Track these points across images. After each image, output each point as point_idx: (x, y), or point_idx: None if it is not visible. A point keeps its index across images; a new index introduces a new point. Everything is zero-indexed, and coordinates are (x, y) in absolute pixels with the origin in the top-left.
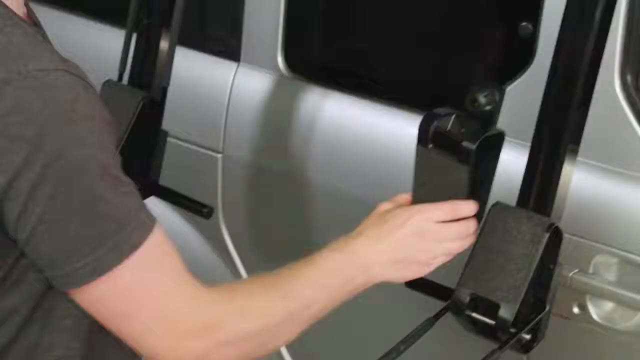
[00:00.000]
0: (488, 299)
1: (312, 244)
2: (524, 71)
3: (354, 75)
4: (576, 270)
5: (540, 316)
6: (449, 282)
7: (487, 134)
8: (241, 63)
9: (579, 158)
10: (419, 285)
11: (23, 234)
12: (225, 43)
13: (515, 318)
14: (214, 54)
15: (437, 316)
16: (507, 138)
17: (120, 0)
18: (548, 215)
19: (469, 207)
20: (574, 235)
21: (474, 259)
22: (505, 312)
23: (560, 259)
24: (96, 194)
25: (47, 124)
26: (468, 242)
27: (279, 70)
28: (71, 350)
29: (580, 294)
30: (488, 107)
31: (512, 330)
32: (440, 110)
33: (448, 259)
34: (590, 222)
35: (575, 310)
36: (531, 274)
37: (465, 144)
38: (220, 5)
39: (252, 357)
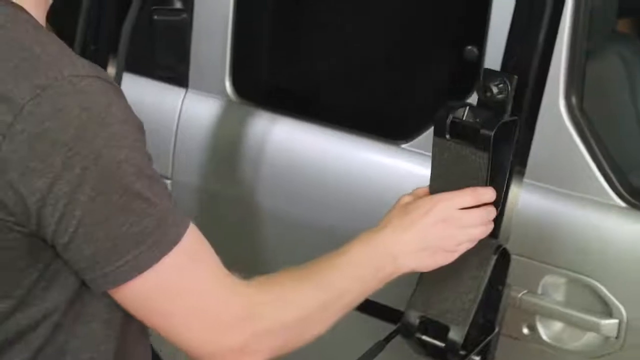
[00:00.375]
0: (437, 321)
1: (263, 268)
2: (471, 94)
3: (301, 99)
4: (525, 291)
5: (489, 337)
6: (399, 304)
7: (503, 121)
8: (189, 89)
9: (525, 179)
10: (369, 308)
11: (63, 238)
12: (173, 69)
13: (465, 340)
14: (162, 80)
15: (387, 339)
16: None
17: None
18: (496, 237)
19: (489, 192)
20: (522, 256)
21: (423, 281)
22: (455, 335)
23: (509, 280)
24: (134, 193)
25: (85, 128)
26: (489, 228)
27: (227, 95)
28: (100, 353)
29: (530, 315)
30: (500, 96)
31: (462, 352)
32: (453, 103)
33: (472, 245)
34: (538, 243)
35: (525, 330)
36: (480, 296)
37: (483, 131)
38: (168, 31)
39: (289, 347)
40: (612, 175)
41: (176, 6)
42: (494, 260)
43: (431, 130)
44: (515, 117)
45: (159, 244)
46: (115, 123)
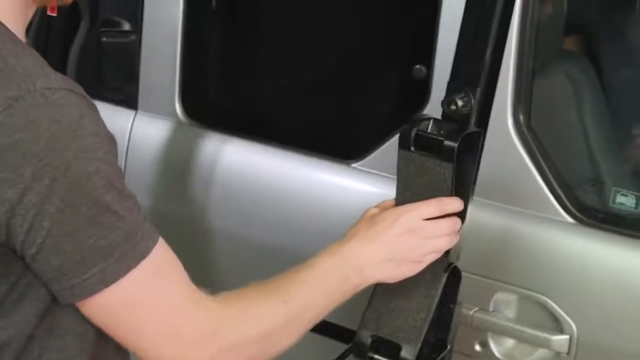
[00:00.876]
0: (389, 340)
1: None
2: (420, 112)
3: (251, 120)
4: (476, 309)
5: (442, 355)
6: (352, 324)
7: (466, 132)
8: (139, 111)
9: (475, 197)
10: (321, 328)
11: (31, 249)
12: (122, 91)
13: (417, 358)
14: (111, 102)
15: (340, 359)
16: None
17: None
18: (446, 255)
19: (454, 203)
20: (473, 274)
21: (374, 300)
22: (407, 353)
23: (460, 298)
24: (103, 206)
25: (55, 140)
26: (454, 239)
27: (176, 117)
28: None
29: (482, 332)
30: (465, 109)
31: None
32: (418, 116)
33: (438, 256)
34: (489, 261)
35: (477, 347)
36: (431, 314)
37: (447, 142)
38: (116, 53)
39: None
40: (560, 192)
41: (124, 28)
42: (444, 279)
43: (381, 149)
44: (480, 129)
45: (126, 258)
46: (87, 135)
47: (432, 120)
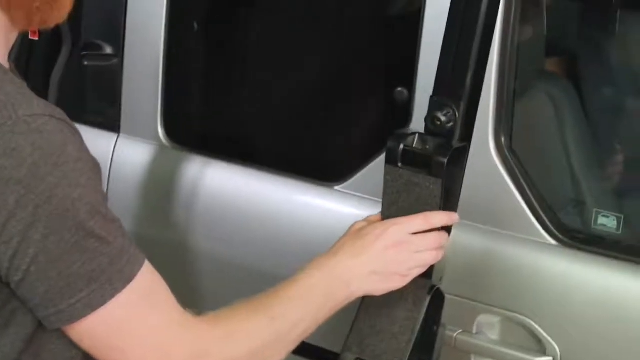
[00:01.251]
0: None
1: (198, 311)
2: None
3: (234, 143)
4: (460, 331)
5: None
6: (335, 346)
7: (455, 147)
8: (121, 134)
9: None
10: (305, 350)
11: (17, 275)
12: (104, 115)
13: None
14: (93, 125)
15: None
16: None
17: None
18: (429, 277)
19: (440, 217)
20: (456, 296)
21: (357, 323)
22: None
23: (444, 320)
24: (87, 232)
25: (38, 166)
26: (440, 253)
27: (159, 140)
28: None
29: (465, 354)
30: (449, 125)
31: None
32: (403, 131)
33: (423, 270)
34: (472, 283)
35: None
36: (415, 337)
37: (436, 158)
38: (98, 77)
39: None
40: (542, 213)
41: (106, 51)
42: (428, 301)
43: (364, 171)
44: (465, 143)
45: (112, 282)
46: (70, 162)
47: (417, 135)
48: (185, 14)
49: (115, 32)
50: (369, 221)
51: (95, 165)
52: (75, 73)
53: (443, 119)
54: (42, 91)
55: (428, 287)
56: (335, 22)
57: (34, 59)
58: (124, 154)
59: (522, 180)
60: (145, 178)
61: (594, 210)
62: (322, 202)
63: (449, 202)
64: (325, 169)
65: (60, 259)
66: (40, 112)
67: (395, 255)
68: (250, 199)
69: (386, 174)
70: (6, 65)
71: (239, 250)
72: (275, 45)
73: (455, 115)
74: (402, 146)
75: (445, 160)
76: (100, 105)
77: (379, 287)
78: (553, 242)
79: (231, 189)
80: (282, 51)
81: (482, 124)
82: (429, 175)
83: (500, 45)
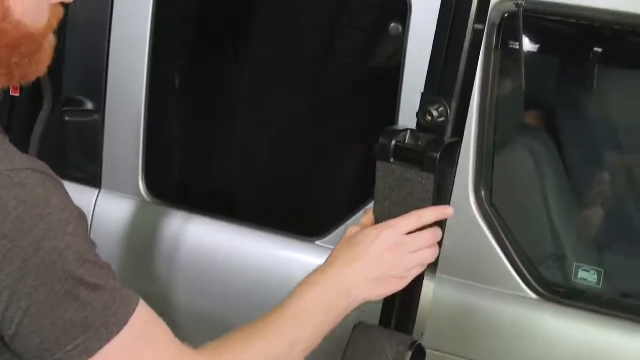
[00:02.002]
0: None
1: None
2: None
3: (215, 199)
4: None
5: None
6: None
7: (447, 143)
8: (102, 189)
9: (439, 274)
10: None
11: (10, 329)
12: (86, 170)
13: None
14: (74, 180)
15: None
16: None
17: None
18: (410, 333)
19: (432, 213)
20: (437, 350)
21: None
22: None
23: None
24: (77, 280)
25: (23, 220)
26: (436, 250)
27: (140, 195)
28: None
29: None
30: (441, 120)
31: None
32: (394, 128)
33: (422, 269)
34: (453, 338)
35: None
36: None
37: (429, 153)
38: (80, 132)
39: None
40: (522, 267)
41: (88, 107)
42: (409, 357)
43: (344, 226)
44: (457, 139)
45: (107, 326)
46: (54, 213)
47: (409, 132)
48: (166, 71)
49: (97, 87)
50: (362, 225)
51: (80, 214)
52: (56, 128)
53: (435, 114)
54: (23, 146)
55: (409, 343)
56: (315, 77)
57: (15, 114)
58: (106, 209)
59: (502, 234)
60: (126, 233)
61: (575, 264)
62: (303, 257)
63: (441, 197)
64: (306, 223)
65: (52, 309)
66: (22, 166)
67: (391, 258)
68: (232, 253)
69: (378, 170)
70: None
71: (220, 305)
72: (255, 102)
73: (447, 111)
74: (394, 142)
75: (438, 155)
76: (82, 160)
77: (379, 292)
78: (534, 296)
79: (212, 244)
80: (262, 108)
81: (462, 178)
82: (422, 171)
83: (480, 99)
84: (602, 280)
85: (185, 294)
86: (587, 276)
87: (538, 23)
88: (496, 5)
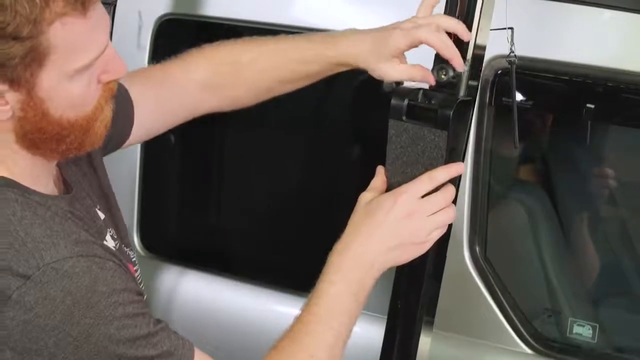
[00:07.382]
0: None
1: None
2: None
3: (209, 254)
4: None
5: None
6: None
7: (460, 100)
8: None
9: (435, 330)
10: None
11: None
12: None
13: None
14: None
15: None
16: (364, 312)
17: None
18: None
19: (444, 172)
20: None
21: None
22: None
23: None
24: (130, 358)
25: (71, 312)
26: (453, 209)
27: (135, 250)
28: None
29: None
30: (454, 78)
31: None
32: (406, 87)
33: (443, 232)
34: None
35: None
36: None
37: (442, 110)
38: None
39: None
40: (517, 322)
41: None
42: None
43: None
44: (470, 98)
45: None
46: (101, 300)
47: (421, 91)
48: None
49: None
50: (374, 188)
51: (126, 285)
52: None
53: (450, 72)
54: None
55: None
56: (310, 140)
57: None
58: None
59: (497, 289)
60: None
61: (569, 319)
62: (298, 312)
63: (452, 157)
64: (301, 278)
65: None
66: (68, 254)
67: (410, 224)
68: (227, 308)
69: (390, 128)
70: (54, 190)
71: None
72: (252, 158)
73: (459, 71)
74: (406, 101)
75: (451, 113)
76: None
77: (401, 259)
78: (529, 351)
79: (207, 299)
80: (256, 166)
81: (456, 233)
82: (434, 128)
83: (474, 154)
84: (597, 335)
85: None
86: (582, 331)
87: (530, 80)
88: (489, 62)
